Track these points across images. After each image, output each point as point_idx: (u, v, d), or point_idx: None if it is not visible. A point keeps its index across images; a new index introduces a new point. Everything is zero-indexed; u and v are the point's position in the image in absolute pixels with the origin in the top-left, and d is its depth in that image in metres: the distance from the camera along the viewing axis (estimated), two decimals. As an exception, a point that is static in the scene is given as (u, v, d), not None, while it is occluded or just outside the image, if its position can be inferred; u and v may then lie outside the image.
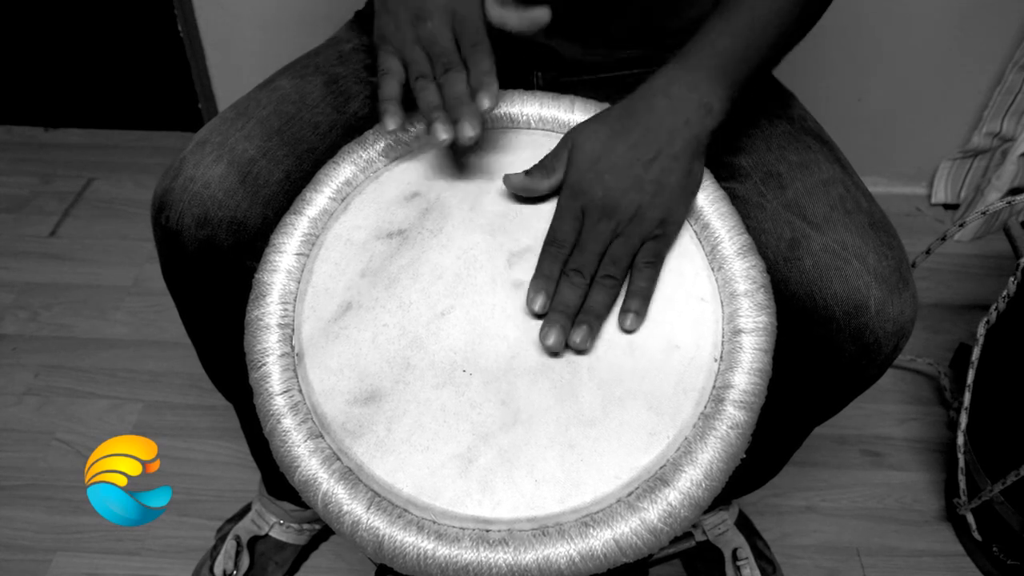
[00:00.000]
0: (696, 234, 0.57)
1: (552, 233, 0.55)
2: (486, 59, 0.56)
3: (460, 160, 0.61)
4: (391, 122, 0.55)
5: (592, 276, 0.53)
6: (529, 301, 0.52)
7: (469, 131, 0.53)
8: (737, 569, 0.94)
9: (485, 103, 0.54)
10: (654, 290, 0.54)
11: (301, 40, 0.83)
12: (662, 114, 0.55)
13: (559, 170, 0.57)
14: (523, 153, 0.61)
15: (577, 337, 0.51)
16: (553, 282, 0.53)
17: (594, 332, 0.52)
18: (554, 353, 0.51)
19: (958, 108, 1.36)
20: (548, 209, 0.57)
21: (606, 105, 0.61)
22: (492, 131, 0.62)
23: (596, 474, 0.47)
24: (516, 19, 0.58)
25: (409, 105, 0.58)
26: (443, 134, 0.53)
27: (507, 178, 0.58)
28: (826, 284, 0.57)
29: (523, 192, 0.58)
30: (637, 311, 0.52)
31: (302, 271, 0.55)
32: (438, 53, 0.56)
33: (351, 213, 0.58)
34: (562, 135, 0.59)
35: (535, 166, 0.58)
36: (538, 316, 0.53)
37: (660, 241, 0.55)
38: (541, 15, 0.58)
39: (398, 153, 0.61)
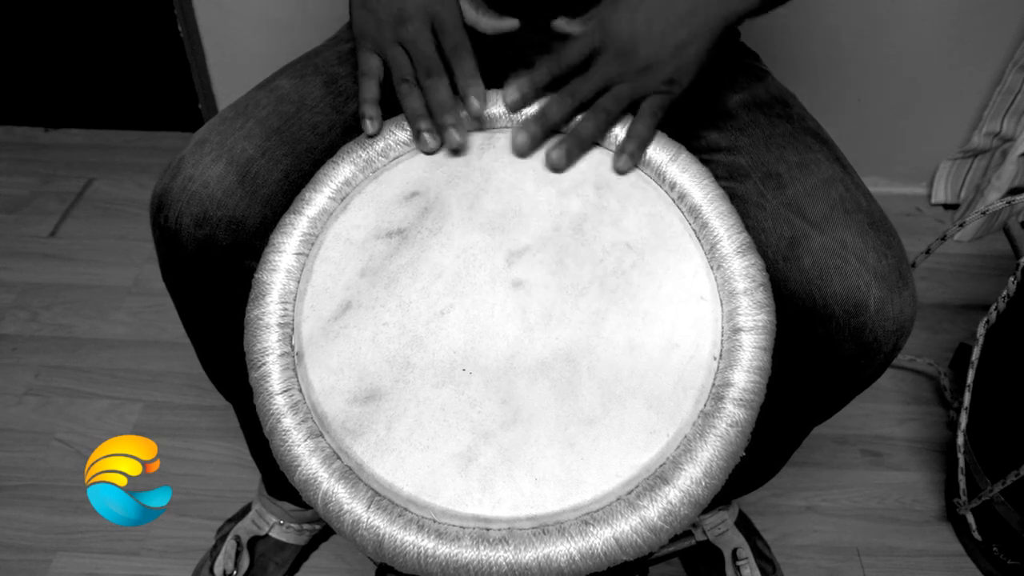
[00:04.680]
0: (695, 233, 0.56)
1: (559, 52, 0.53)
2: (468, 61, 0.57)
3: (459, 159, 0.60)
4: (371, 127, 0.58)
5: (583, 105, 0.52)
6: (505, 94, 0.50)
7: (456, 137, 0.55)
8: (737, 569, 0.93)
9: (475, 106, 0.55)
10: (651, 141, 0.53)
11: (301, 40, 0.83)
12: None
13: (593, 18, 0.56)
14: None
15: (554, 153, 0.49)
16: (536, 90, 0.51)
17: (572, 156, 0.50)
18: (520, 154, 0.49)
19: (958, 108, 1.36)
20: (547, 208, 0.57)
21: None
22: (491, 131, 0.62)
23: (596, 472, 0.47)
24: (487, 24, 0.62)
25: (389, 105, 0.59)
26: (431, 143, 0.55)
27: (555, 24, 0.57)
28: (826, 283, 0.57)
29: (561, 28, 0.57)
30: (632, 153, 0.51)
31: (302, 270, 0.55)
32: (419, 56, 0.57)
33: (350, 212, 0.58)
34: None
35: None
36: (511, 111, 0.51)
37: (664, 96, 0.54)
38: (510, 23, 0.62)
39: (397, 153, 0.61)
